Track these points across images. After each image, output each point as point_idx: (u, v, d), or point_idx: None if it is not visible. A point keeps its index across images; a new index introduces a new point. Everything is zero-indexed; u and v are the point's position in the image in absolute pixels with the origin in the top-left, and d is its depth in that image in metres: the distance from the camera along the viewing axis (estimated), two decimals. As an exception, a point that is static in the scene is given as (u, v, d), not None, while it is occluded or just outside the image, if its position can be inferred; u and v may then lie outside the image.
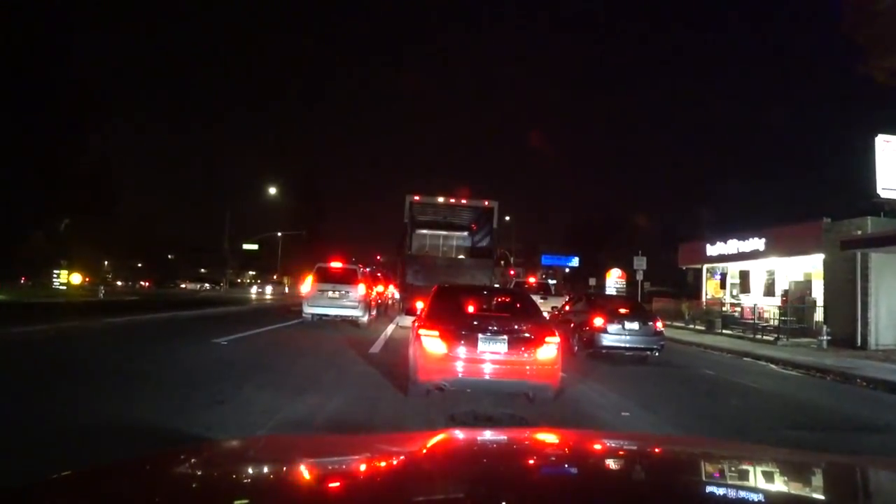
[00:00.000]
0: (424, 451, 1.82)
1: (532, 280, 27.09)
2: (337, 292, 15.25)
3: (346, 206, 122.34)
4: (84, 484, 1.33)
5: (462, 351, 5.99)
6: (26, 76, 32.65)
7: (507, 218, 40.86)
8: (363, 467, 1.68)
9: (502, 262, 40.18)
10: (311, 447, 1.98)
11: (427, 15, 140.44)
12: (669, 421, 6.38)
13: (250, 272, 69.38)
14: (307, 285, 15.96)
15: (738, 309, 22.97)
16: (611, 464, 1.91)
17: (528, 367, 6.05)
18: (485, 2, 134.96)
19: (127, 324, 14.42)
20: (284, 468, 1.62)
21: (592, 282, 38.06)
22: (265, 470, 1.62)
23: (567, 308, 14.43)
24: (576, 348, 12.04)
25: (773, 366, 12.86)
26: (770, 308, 20.87)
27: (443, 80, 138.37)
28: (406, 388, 6.58)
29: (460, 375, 5.99)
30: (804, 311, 19.75)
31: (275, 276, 65.68)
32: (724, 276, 25.73)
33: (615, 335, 11.37)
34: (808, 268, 20.87)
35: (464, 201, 18.30)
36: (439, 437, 2.10)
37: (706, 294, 26.43)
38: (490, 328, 6.16)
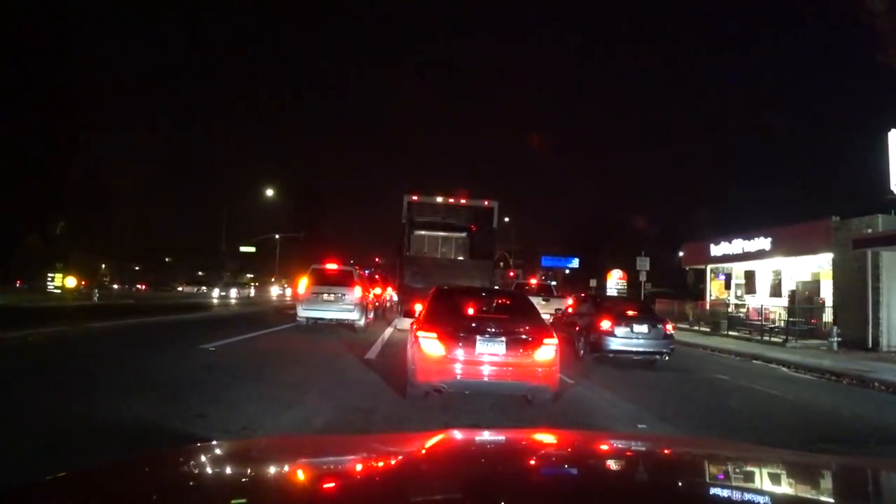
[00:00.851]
0: (423, 451, 1.81)
1: (533, 281, 26.43)
2: (332, 295, 14.74)
3: (345, 208, 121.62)
4: (83, 484, 1.32)
5: (460, 352, 5.96)
6: (22, 79, 32.36)
7: (507, 219, 40.55)
8: (362, 468, 1.67)
9: (501, 264, 39.70)
10: (310, 448, 2.00)
11: (427, 17, 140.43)
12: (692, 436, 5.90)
13: (248, 274, 69.06)
14: (302, 288, 15.45)
15: (744, 310, 22.57)
16: (610, 464, 1.89)
17: (526, 369, 6.05)
18: (485, 4, 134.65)
19: (115, 328, 13.94)
20: (283, 469, 1.61)
21: (593, 283, 37.76)
22: (264, 470, 1.59)
23: (571, 310, 13.98)
24: (581, 352, 11.57)
25: (784, 369, 12.49)
26: (776, 309, 20.45)
27: (443, 81, 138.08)
28: (404, 391, 6.48)
29: (459, 377, 5.97)
30: (812, 312, 19.35)
31: (248, 279, 65.08)
32: (728, 277, 25.32)
33: (623, 338, 10.91)
34: (815, 268, 20.48)
35: (463, 201, 17.85)
36: (438, 437, 2.07)
37: (710, 295, 26.02)
38: (488, 330, 6.13)
